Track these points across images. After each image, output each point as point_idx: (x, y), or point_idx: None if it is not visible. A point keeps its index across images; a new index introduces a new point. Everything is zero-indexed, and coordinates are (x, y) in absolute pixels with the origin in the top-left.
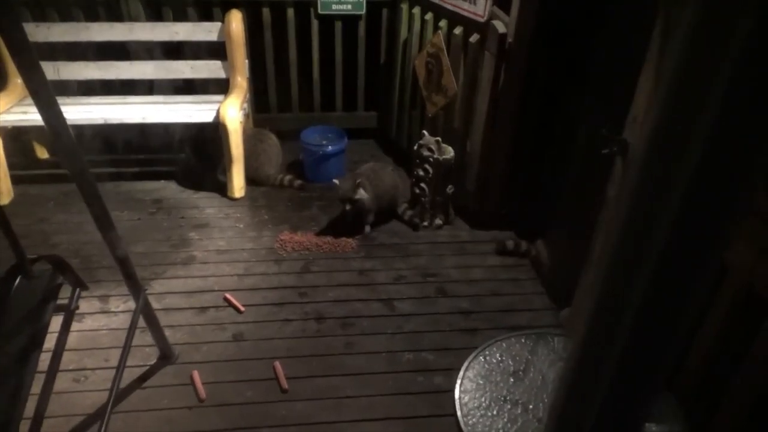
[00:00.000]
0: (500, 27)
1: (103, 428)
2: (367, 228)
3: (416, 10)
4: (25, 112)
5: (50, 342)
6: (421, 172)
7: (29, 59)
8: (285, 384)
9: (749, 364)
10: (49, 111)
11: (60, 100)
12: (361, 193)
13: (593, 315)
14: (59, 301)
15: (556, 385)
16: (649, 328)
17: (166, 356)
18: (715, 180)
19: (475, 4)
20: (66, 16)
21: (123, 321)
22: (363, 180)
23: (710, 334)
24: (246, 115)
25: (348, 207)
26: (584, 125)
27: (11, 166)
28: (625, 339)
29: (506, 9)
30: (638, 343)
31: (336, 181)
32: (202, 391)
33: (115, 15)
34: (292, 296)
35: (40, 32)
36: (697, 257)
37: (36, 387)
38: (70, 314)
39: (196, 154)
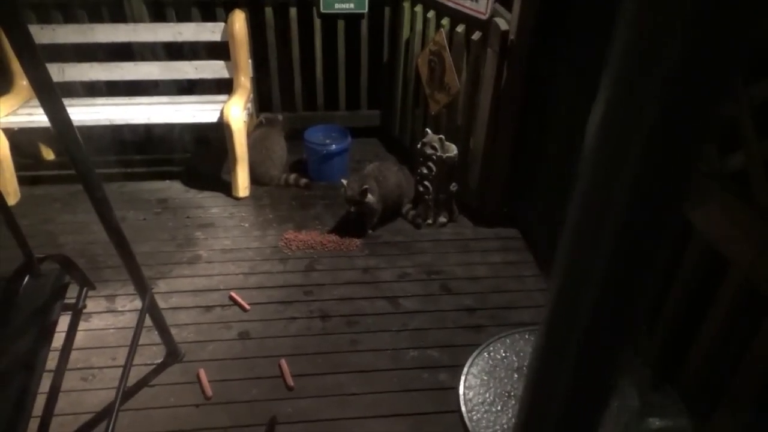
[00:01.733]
0: (502, 24)
1: (111, 426)
2: (369, 231)
3: (418, 9)
4: (30, 114)
5: (58, 341)
6: (425, 170)
7: (35, 61)
8: (291, 381)
9: (751, 360)
10: (55, 112)
11: (66, 101)
12: (369, 198)
13: (562, 278)
14: (66, 300)
15: (531, 354)
16: (618, 286)
17: (172, 355)
18: (671, 140)
19: (477, 1)
20: (70, 18)
21: (129, 320)
22: (371, 183)
23: (712, 329)
24: (250, 115)
25: (352, 209)
26: (587, 121)
27: (18, 167)
28: (595, 297)
29: (508, 6)
30: (608, 301)
31: (344, 181)
32: (208, 389)
33: (119, 16)
34: (298, 294)
35: (45, 34)
36: (658, 214)
37: (44, 385)
38: (77, 313)
39: (201, 153)
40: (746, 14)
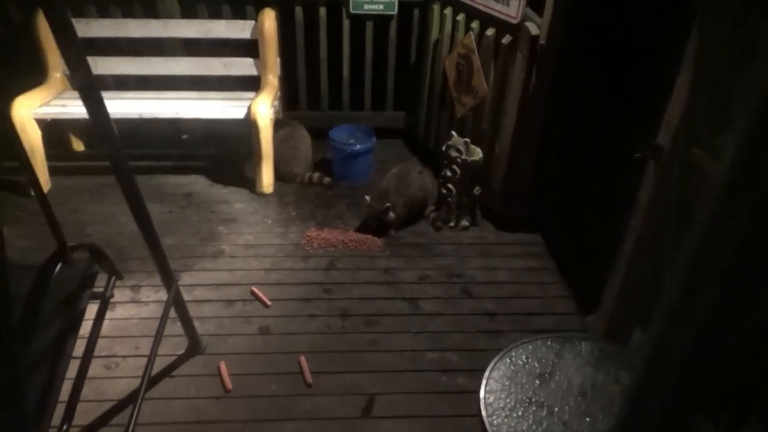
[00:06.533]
0: (533, 29)
1: (135, 414)
2: (392, 232)
3: (448, 11)
4: (63, 105)
5: (84, 329)
6: (449, 173)
7: (76, 54)
8: (309, 378)
9: None
10: (94, 104)
11: None
12: (391, 215)
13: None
14: (94, 289)
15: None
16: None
17: (194, 347)
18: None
19: (508, 5)
20: (104, 13)
21: (153, 311)
22: (393, 198)
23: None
24: (276, 113)
25: (375, 224)
26: (614, 128)
27: (49, 157)
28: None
29: (539, 11)
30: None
31: (367, 197)
32: (228, 383)
33: (151, 12)
34: (318, 292)
35: (79, 28)
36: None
37: (71, 372)
38: (105, 302)
39: (227, 149)
40: None
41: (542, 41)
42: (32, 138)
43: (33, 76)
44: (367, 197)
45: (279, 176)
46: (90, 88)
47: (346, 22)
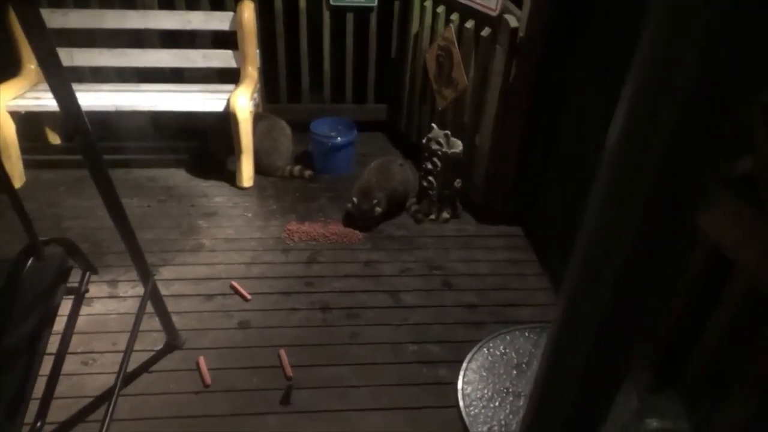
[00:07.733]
0: (512, 21)
1: (110, 410)
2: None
3: (428, 3)
4: (38, 98)
5: (59, 324)
6: (430, 166)
7: (46, 45)
8: (290, 372)
9: (754, 363)
10: (64, 94)
11: (73, 86)
12: (377, 210)
13: (574, 287)
14: (69, 284)
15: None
16: (624, 301)
17: (173, 342)
18: (679, 162)
19: None
20: (81, 3)
21: (131, 306)
22: (376, 193)
23: (716, 332)
24: (256, 105)
25: (362, 222)
26: (594, 121)
27: (24, 150)
28: (603, 309)
29: (518, 3)
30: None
31: (354, 199)
32: (207, 377)
33: (129, 2)
34: (299, 286)
35: (56, 18)
36: (667, 236)
37: (45, 368)
38: (80, 297)
39: (206, 143)
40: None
41: (522, 34)
42: (6, 131)
43: (6, 67)
44: (355, 199)
45: (260, 169)
46: (60, 82)
47: (326, 14)
